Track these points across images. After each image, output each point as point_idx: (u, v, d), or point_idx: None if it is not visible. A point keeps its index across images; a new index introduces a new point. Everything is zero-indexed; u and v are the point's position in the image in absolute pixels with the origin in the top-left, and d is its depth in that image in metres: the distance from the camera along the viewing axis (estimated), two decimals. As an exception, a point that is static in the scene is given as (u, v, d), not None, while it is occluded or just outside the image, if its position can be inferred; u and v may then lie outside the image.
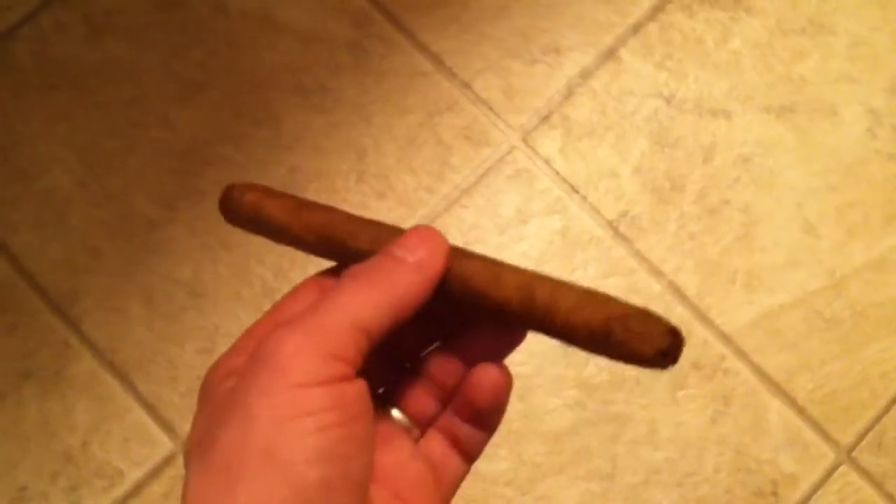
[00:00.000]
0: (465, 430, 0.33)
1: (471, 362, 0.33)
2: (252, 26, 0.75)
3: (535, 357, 0.69)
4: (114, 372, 0.69)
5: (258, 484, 0.26)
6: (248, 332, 0.32)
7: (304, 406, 0.26)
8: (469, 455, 0.34)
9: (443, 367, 0.33)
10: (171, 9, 0.75)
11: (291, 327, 0.28)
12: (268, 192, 0.35)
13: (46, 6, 0.75)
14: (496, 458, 0.68)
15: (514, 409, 0.68)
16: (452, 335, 0.33)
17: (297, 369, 0.27)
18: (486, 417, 0.33)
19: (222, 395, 0.28)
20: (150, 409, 0.68)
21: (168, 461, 0.68)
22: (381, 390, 0.34)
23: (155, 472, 0.67)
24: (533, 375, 0.69)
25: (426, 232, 0.31)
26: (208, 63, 0.74)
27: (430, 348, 0.34)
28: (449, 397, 0.33)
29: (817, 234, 0.73)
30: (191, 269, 0.71)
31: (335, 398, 0.27)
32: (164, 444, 0.68)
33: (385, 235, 0.32)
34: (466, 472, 0.34)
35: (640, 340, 0.28)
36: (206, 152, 0.73)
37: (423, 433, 0.34)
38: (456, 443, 0.33)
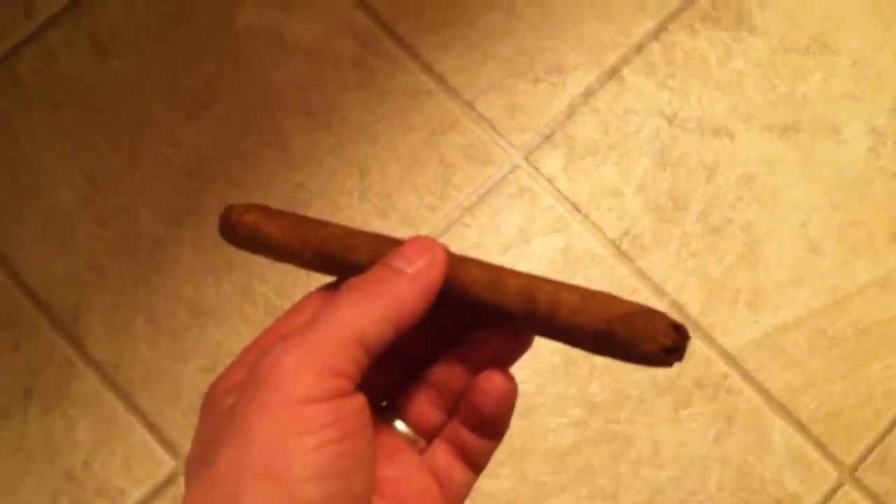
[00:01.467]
0: (471, 440, 0.33)
1: (476, 370, 0.32)
2: (258, 44, 0.75)
3: (537, 375, 0.69)
4: (116, 390, 0.69)
5: (258, 502, 0.25)
6: (251, 347, 0.32)
7: (302, 423, 0.26)
8: (476, 465, 0.33)
9: (447, 376, 0.33)
10: (176, 26, 0.76)
11: (289, 343, 0.28)
12: (265, 212, 0.35)
13: (52, 23, 0.76)
14: (499, 476, 0.68)
15: (517, 427, 0.68)
16: (456, 344, 0.33)
17: (295, 386, 0.27)
18: (492, 425, 0.32)
19: (222, 411, 0.28)
20: (153, 427, 0.68)
21: (170, 480, 0.68)
22: (384, 403, 0.34)
23: (157, 492, 0.67)
24: (535, 394, 0.69)
25: (424, 242, 0.31)
26: (214, 81, 0.75)
27: (434, 358, 0.34)
28: (454, 407, 0.33)
29: (820, 253, 0.73)
30: (194, 286, 0.71)
31: (334, 414, 0.27)
32: (167, 464, 0.68)
33: (383, 247, 0.32)
34: (473, 481, 0.34)
35: (644, 339, 0.28)
36: (212, 169, 0.73)
37: (428, 443, 0.33)
38: (462, 452, 0.33)
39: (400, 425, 0.33)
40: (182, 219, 0.72)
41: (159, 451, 0.68)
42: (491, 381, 0.32)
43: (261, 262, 0.71)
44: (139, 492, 0.67)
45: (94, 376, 0.69)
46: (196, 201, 0.72)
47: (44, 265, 0.71)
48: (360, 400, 0.28)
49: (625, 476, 0.68)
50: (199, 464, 0.28)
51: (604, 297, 0.29)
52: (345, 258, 0.33)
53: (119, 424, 0.68)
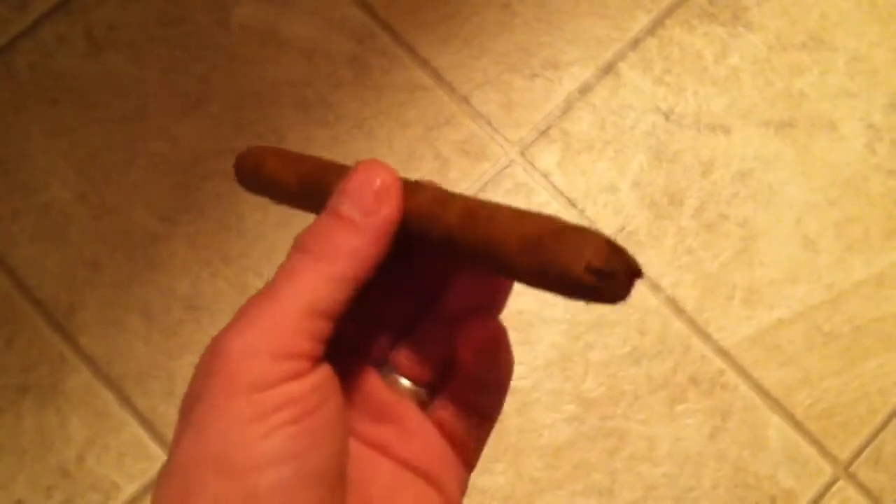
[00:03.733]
0: (473, 393, 0.31)
1: (459, 324, 0.31)
2: (254, 41, 0.75)
3: (532, 371, 0.69)
4: (110, 386, 0.69)
5: (209, 496, 0.25)
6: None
7: (252, 411, 0.25)
8: (486, 415, 0.32)
9: (433, 334, 0.32)
10: (172, 23, 0.76)
11: (236, 327, 0.27)
12: (276, 150, 0.33)
13: (47, 19, 0.75)
14: (494, 472, 0.68)
15: (512, 423, 0.68)
16: (438, 299, 0.32)
17: (245, 373, 0.26)
18: (487, 373, 0.31)
19: (186, 402, 0.27)
20: (147, 423, 0.68)
21: (164, 475, 0.67)
22: (383, 364, 0.33)
23: (150, 487, 0.67)
24: (531, 390, 0.69)
25: (371, 168, 0.28)
26: (209, 77, 0.75)
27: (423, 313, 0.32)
28: (448, 363, 0.32)
29: (816, 249, 0.73)
30: (189, 282, 0.71)
31: (287, 396, 0.26)
32: (160, 458, 0.68)
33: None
34: (486, 434, 0.32)
35: (570, 252, 0.24)
36: (207, 166, 0.73)
37: (430, 396, 0.32)
38: (468, 406, 0.31)
39: (402, 381, 0.32)
40: (177, 215, 0.72)
41: (153, 447, 0.68)
42: (473, 331, 0.30)
43: (256, 258, 0.71)
44: (133, 487, 0.67)
45: (87, 372, 0.69)
46: (191, 197, 0.72)
47: (38, 262, 0.71)
48: (319, 375, 0.27)
49: (620, 472, 0.68)
50: (167, 456, 0.27)
51: (546, 217, 0.26)
52: (326, 189, 0.30)
53: (113, 420, 0.68)
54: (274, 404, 0.25)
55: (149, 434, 0.68)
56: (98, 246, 0.71)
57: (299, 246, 0.28)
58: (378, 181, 0.28)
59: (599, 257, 0.24)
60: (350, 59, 0.75)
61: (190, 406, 0.27)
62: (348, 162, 0.30)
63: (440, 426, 0.31)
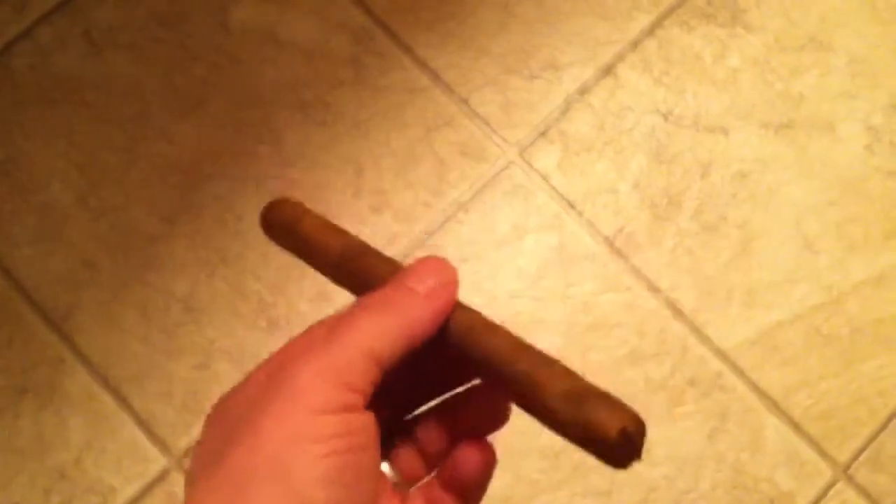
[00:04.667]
0: (447, 500, 0.33)
1: (457, 434, 0.33)
2: (253, 42, 0.75)
3: (531, 373, 0.69)
4: (108, 388, 0.69)
5: (265, 498, 0.26)
6: (263, 365, 0.32)
7: (315, 431, 0.27)
8: None
9: (431, 435, 0.34)
10: (172, 24, 0.76)
11: (307, 357, 0.29)
12: (310, 212, 0.36)
13: (46, 20, 0.75)
14: (494, 474, 0.68)
15: (511, 424, 0.67)
16: (444, 404, 0.35)
17: (311, 397, 0.27)
18: (469, 493, 0.33)
19: (233, 418, 0.29)
20: (144, 425, 0.68)
21: (161, 478, 0.67)
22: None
23: (148, 489, 0.67)
24: (530, 391, 0.69)
25: (436, 262, 0.32)
26: (209, 78, 0.75)
27: (423, 409, 0.35)
28: (435, 463, 0.34)
29: (815, 251, 0.73)
30: (187, 284, 0.71)
31: (345, 426, 0.28)
32: (158, 461, 0.68)
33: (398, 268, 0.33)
34: None
35: (611, 413, 0.28)
36: (206, 167, 0.73)
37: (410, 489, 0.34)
38: None
39: (386, 469, 0.34)
40: (176, 216, 0.72)
41: (151, 449, 0.68)
42: (470, 453, 0.33)
43: (254, 260, 0.71)
44: (130, 489, 0.67)
45: (86, 374, 0.69)
46: (190, 198, 0.72)
47: (38, 263, 0.71)
48: (369, 417, 0.29)
49: (619, 474, 0.68)
50: (204, 468, 0.28)
51: (577, 377, 0.30)
52: (362, 267, 0.34)
53: (111, 422, 0.68)
54: (333, 430, 0.27)
55: (147, 436, 0.68)
56: (97, 246, 0.71)
57: (362, 303, 0.31)
58: (443, 274, 0.32)
59: (633, 425, 0.28)
60: (349, 59, 0.75)
61: (242, 423, 0.28)
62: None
63: None
